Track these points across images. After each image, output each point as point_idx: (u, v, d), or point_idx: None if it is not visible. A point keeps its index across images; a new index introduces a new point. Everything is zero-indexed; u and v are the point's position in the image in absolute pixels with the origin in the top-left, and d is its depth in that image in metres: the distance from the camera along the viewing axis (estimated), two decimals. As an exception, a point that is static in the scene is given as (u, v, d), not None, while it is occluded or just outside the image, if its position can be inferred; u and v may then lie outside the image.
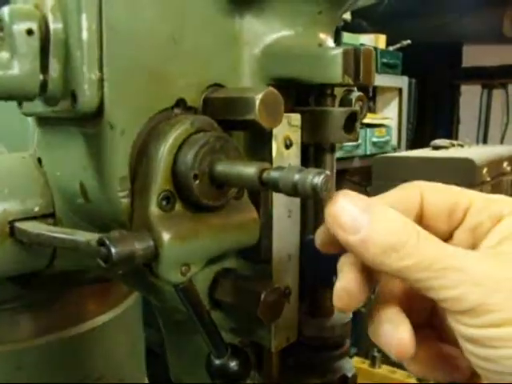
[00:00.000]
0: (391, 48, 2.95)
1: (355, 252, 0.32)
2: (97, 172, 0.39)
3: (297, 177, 0.31)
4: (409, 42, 2.93)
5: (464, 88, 4.58)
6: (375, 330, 0.35)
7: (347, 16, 2.50)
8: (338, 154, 2.62)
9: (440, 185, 0.37)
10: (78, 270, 0.56)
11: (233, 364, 0.43)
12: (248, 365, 0.44)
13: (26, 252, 0.44)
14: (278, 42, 0.44)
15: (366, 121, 2.75)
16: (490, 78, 4.29)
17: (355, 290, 0.34)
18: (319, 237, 0.37)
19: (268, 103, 0.37)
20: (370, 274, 0.34)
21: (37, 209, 0.44)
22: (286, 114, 0.42)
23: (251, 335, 0.47)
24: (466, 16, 3.79)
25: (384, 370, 1.86)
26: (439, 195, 0.36)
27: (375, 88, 2.96)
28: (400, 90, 3.07)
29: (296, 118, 0.43)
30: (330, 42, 0.48)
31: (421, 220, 0.36)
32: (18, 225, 0.42)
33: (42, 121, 0.44)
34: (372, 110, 2.93)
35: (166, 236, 0.36)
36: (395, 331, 0.34)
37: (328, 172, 0.31)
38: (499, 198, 0.36)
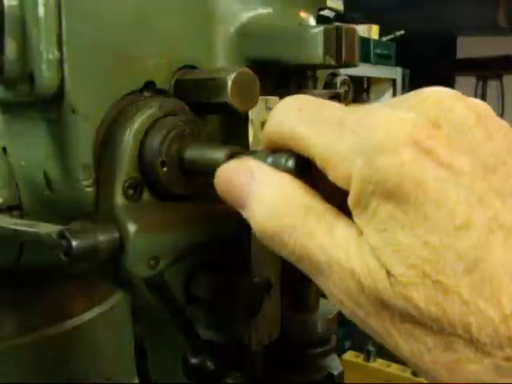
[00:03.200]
0: (384, 39, 2.92)
1: None
2: (60, 160, 0.36)
3: (269, 160, 0.28)
4: (402, 32, 2.90)
5: (458, 79, 4.57)
6: None
7: (340, 7, 2.47)
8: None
9: None
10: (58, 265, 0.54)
11: (210, 363, 0.40)
12: (226, 363, 0.42)
13: (-11, 247, 0.42)
14: (254, 21, 0.42)
15: (359, 113, 2.70)
16: (485, 68, 4.27)
17: None
18: None
19: (241, 84, 0.35)
20: None
21: (1, 201, 0.41)
22: (263, 97, 0.40)
23: (230, 332, 0.44)
24: (460, 6, 3.77)
25: (379, 363, 1.85)
26: None
27: (369, 79, 2.94)
28: (394, 82, 3.05)
29: (274, 101, 0.41)
30: (312, 22, 0.45)
31: None
32: (-22, 218, 0.39)
33: (5, 107, 0.41)
34: (366, 102, 2.91)
35: (132, 227, 0.33)
36: None
37: (302, 155, 0.28)
38: None
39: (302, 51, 0.40)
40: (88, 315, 0.68)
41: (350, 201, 0.25)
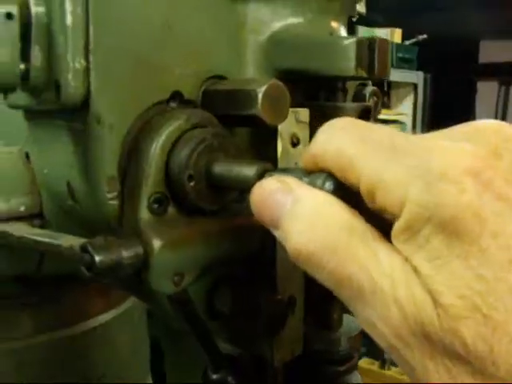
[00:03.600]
0: (407, 42, 2.90)
1: None
2: (84, 171, 0.35)
3: (305, 180, 0.27)
4: (425, 36, 2.88)
5: (480, 85, 4.51)
6: None
7: (362, 10, 2.45)
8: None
9: None
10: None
11: (230, 378, 0.39)
12: (247, 379, 0.41)
13: (11, 256, 0.41)
14: (285, 30, 0.40)
15: (380, 117, 2.69)
16: (508, 74, 4.21)
17: None
18: None
19: (272, 97, 0.34)
20: None
21: (22, 208, 0.41)
22: (292, 110, 0.39)
23: (253, 347, 0.43)
24: (483, 11, 3.73)
25: (394, 371, 1.83)
26: None
27: (390, 83, 2.91)
28: (415, 86, 3.02)
29: (304, 113, 0.40)
30: (343, 32, 0.44)
31: None
32: (1, 227, 0.39)
33: (29, 114, 0.40)
34: (386, 106, 2.89)
35: (156, 243, 0.32)
36: None
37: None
38: None
39: (333, 63, 0.39)
40: (105, 317, 0.68)
41: (399, 226, 0.24)
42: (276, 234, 0.28)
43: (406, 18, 3.08)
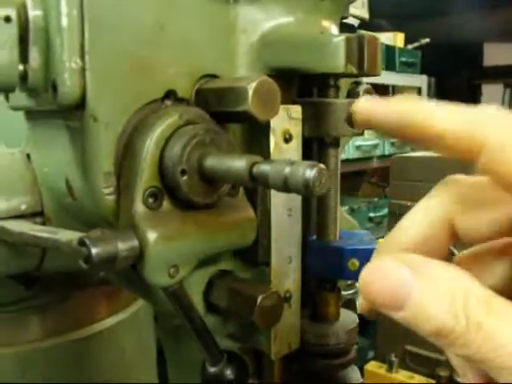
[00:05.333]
0: (410, 46, 2.90)
1: None
2: (81, 168, 0.36)
3: (287, 170, 0.28)
4: (427, 40, 2.88)
5: (485, 87, 4.51)
6: None
7: (365, 15, 2.46)
8: (356, 155, 2.58)
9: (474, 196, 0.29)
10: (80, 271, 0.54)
11: (228, 372, 0.40)
12: (245, 372, 0.42)
13: (13, 253, 0.42)
14: (277, 30, 0.41)
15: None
16: (513, 76, 4.21)
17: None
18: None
19: (262, 93, 0.35)
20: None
21: (24, 207, 0.42)
22: (285, 106, 0.40)
23: (250, 341, 0.44)
24: (487, 14, 3.73)
25: (401, 374, 1.82)
26: (476, 217, 0.29)
27: (394, 87, 2.91)
28: (419, 90, 3.02)
29: (296, 109, 0.41)
30: (335, 31, 0.45)
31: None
32: (1, 224, 0.40)
33: (30, 115, 0.42)
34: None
35: (151, 235, 0.33)
36: None
37: (322, 165, 0.28)
38: None
39: (323, 60, 0.40)
40: (111, 321, 0.68)
41: None
42: (399, 315, 0.25)
43: (409, 23, 3.09)
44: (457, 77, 4.15)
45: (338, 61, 0.40)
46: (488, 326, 0.24)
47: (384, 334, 1.96)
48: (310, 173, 0.27)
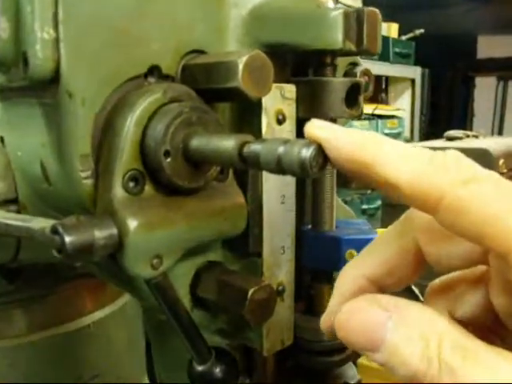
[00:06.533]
0: (404, 37, 2.87)
1: None
2: (56, 150, 0.33)
3: (281, 149, 0.25)
4: (422, 31, 2.86)
5: (478, 80, 4.49)
6: None
7: (359, 4, 2.43)
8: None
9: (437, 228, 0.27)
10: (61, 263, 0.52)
11: (217, 370, 0.37)
12: (235, 371, 0.39)
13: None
14: (270, 3, 0.39)
15: (377, 112, 2.69)
16: (506, 69, 4.19)
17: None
18: (325, 324, 0.30)
19: (254, 68, 0.32)
20: None
21: (-3, 194, 0.39)
22: (278, 85, 0.37)
23: (241, 337, 0.42)
24: (481, 6, 3.71)
25: (395, 368, 1.80)
26: (446, 247, 0.28)
27: (387, 78, 2.89)
28: (413, 81, 3.00)
29: (290, 89, 0.38)
30: (331, 5, 0.42)
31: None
32: (-30, 211, 0.37)
33: (2, 94, 0.38)
34: (384, 102, 2.87)
35: (132, 223, 0.30)
36: None
37: (319, 144, 0.25)
38: None
39: (319, 35, 0.37)
40: (99, 314, 0.66)
41: None
42: (375, 357, 0.25)
43: (403, 14, 3.06)
44: (450, 69, 4.13)
45: (336, 36, 0.37)
46: (462, 372, 0.23)
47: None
48: (307, 152, 0.24)
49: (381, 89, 2.89)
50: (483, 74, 4.37)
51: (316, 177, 0.24)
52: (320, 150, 0.24)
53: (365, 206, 2.78)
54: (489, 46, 4.47)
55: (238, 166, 0.28)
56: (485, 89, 4.29)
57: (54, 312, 0.63)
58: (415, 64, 2.93)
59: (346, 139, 0.24)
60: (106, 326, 0.68)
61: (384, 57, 2.59)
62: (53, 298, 0.63)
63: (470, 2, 3.65)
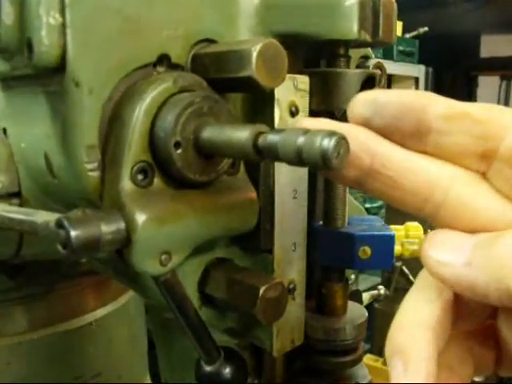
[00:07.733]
0: (408, 35, 2.86)
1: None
2: (62, 140, 0.32)
3: (301, 140, 0.24)
4: (426, 29, 2.84)
5: (481, 79, 4.48)
6: None
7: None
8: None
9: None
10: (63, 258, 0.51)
11: (226, 371, 0.36)
12: (245, 371, 0.38)
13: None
14: (282, -9, 0.37)
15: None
16: (509, 68, 4.17)
17: None
18: None
19: (268, 57, 0.31)
20: None
21: (-1, 187, 0.38)
22: (291, 75, 0.36)
23: (250, 337, 0.40)
24: (485, 5, 3.70)
25: (398, 368, 1.80)
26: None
27: (391, 76, 2.88)
28: (416, 80, 2.99)
29: (303, 80, 0.37)
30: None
31: None
32: (-28, 205, 0.35)
33: (5, 83, 0.37)
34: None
35: (140, 217, 0.29)
36: None
37: (342, 134, 0.24)
38: None
39: (333, 25, 0.36)
40: (101, 312, 0.66)
41: None
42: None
43: (407, 13, 3.04)
44: (454, 68, 4.12)
45: (351, 26, 0.36)
46: None
47: (380, 327, 1.94)
48: (329, 142, 0.23)
49: (384, 87, 2.87)
50: (486, 72, 4.35)
51: (338, 168, 0.23)
52: (343, 140, 0.23)
53: (368, 205, 2.76)
54: (492, 45, 4.45)
55: (253, 158, 0.27)
56: (488, 88, 4.28)
57: (56, 309, 0.62)
58: (419, 62, 2.92)
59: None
60: (108, 324, 0.67)
61: (388, 55, 2.57)
62: (54, 296, 0.62)
63: (473, 1, 3.63)
